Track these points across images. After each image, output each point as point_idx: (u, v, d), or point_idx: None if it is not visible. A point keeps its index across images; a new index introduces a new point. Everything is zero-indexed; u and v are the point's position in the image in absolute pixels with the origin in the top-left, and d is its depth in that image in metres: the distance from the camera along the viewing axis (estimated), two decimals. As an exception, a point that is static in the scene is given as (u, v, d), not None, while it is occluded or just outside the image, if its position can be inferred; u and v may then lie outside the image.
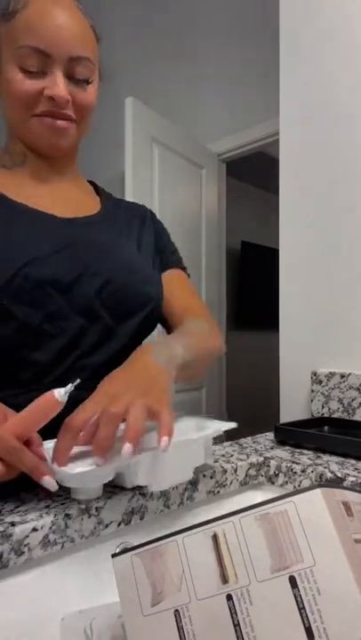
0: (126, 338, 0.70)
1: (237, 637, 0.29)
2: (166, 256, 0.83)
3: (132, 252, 0.75)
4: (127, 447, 0.45)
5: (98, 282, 0.66)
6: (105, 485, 0.54)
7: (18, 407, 0.49)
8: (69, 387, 0.45)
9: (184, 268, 0.86)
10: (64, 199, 0.72)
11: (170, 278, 0.80)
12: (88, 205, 0.76)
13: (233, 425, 0.59)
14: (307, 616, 0.27)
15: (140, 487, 0.54)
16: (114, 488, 0.54)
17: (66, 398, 0.45)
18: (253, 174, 3.74)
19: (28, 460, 0.45)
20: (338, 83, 1.05)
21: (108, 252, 0.70)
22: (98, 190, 0.82)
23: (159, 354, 0.57)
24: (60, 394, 0.45)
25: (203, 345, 0.69)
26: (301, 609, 0.28)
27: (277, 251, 1.17)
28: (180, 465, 0.55)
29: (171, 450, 0.48)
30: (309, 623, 0.27)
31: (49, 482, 0.45)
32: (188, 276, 0.86)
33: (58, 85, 0.63)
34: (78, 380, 0.46)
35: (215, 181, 2.66)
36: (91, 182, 0.83)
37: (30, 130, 0.67)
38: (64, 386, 0.46)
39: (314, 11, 1.10)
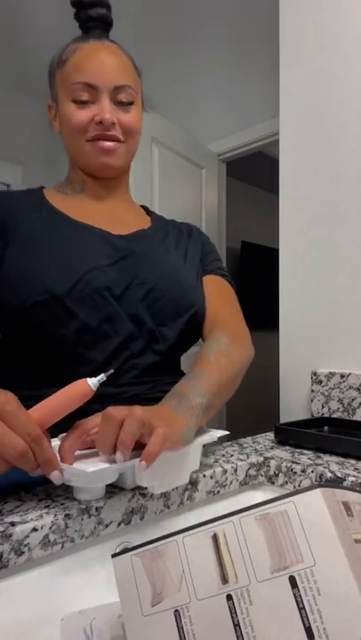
0: (171, 341, 0.76)
1: (237, 637, 0.29)
2: (207, 263, 0.89)
3: (178, 263, 0.82)
4: (118, 455, 0.46)
5: (143, 290, 0.74)
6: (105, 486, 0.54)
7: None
8: (102, 376, 0.47)
9: (225, 275, 0.89)
10: (118, 218, 0.82)
11: (207, 284, 0.85)
12: (139, 223, 0.85)
13: (226, 432, 0.62)
14: (307, 616, 0.27)
15: (140, 487, 0.54)
16: (114, 488, 0.54)
17: (97, 386, 0.47)
18: (253, 174, 3.74)
19: (46, 451, 0.45)
20: (338, 83, 1.05)
21: (155, 264, 0.78)
22: (148, 212, 0.92)
23: (177, 407, 0.58)
24: (93, 382, 0.46)
25: (220, 375, 0.70)
26: (301, 609, 0.28)
27: (277, 251, 1.17)
28: (179, 469, 0.55)
29: (171, 455, 0.50)
30: (309, 623, 0.27)
31: (57, 476, 0.46)
32: (230, 283, 0.90)
33: (104, 110, 0.74)
34: (112, 371, 0.48)
35: (215, 181, 2.66)
36: (142, 206, 0.93)
37: (85, 154, 0.77)
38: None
39: (314, 11, 1.10)
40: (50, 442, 0.47)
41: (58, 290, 0.68)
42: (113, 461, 0.47)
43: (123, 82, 0.76)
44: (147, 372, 0.74)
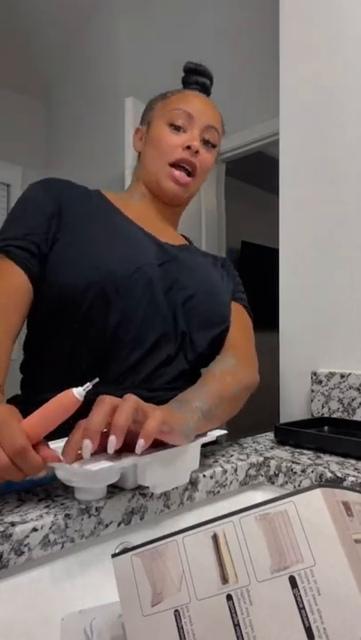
0: (201, 349, 0.79)
1: (237, 637, 0.29)
2: (235, 291, 0.93)
3: (215, 278, 0.88)
4: (111, 439, 0.45)
5: (183, 295, 0.79)
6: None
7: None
8: (87, 385, 0.46)
9: (246, 307, 0.93)
10: (164, 232, 0.87)
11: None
12: (180, 241, 0.92)
13: (224, 432, 0.63)
14: (307, 616, 0.27)
15: (140, 487, 0.54)
16: (114, 488, 0.54)
17: (83, 395, 0.46)
18: (253, 174, 3.73)
19: (30, 461, 0.44)
20: (338, 82, 1.05)
21: (196, 273, 0.84)
22: (188, 241, 0.99)
23: (178, 408, 0.58)
24: (79, 392, 0.46)
25: (223, 389, 0.70)
26: (301, 609, 0.28)
27: (277, 251, 1.17)
28: (179, 469, 0.55)
29: (172, 453, 0.50)
30: (309, 623, 0.27)
31: (43, 473, 0.46)
32: (251, 316, 0.93)
33: (194, 137, 0.83)
34: (97, 379, 0.47)
35: (215, 181, 2.66)
36: (183, 236, 0.99)
37: (161, 175, 0.84)
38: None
39: (314, 11, 1.10)
40: (47, 446, 0.47)
41: (116, 272, 0.71)
42: (104, 450, 0.46)
43: (213, 123, 0.86)
44: (177, 379, 0.77)
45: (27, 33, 2.78)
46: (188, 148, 0.82)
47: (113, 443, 0.45)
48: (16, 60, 2.93)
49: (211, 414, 0.63)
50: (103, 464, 0.46)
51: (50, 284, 0.71)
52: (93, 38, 2.92)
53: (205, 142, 0.85)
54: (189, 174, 0.84)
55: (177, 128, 0.83)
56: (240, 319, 0.89)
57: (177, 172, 0.82)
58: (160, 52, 2.65)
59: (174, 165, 0.83)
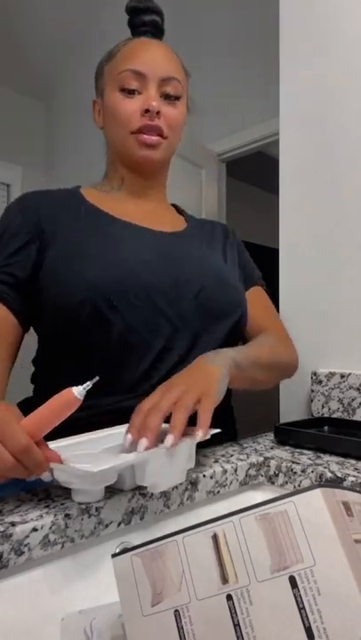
0: (216, 343, 0.74)
1: (237, 637, 0.29)
2: (248, 272, 0.90)
3: (219, 263, 0.82)
4: (169, 438, 0.50)
5: (193, 288, 0.73)
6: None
7: (125, 413, 0.55)
8: (88, 384, 0.47)
9: (263, 285, 0.91)
10: (156, 217, 0.82)
11: (251, 297, 0.86)
12: (175, 223, 0.85)
13: (217, 430, 0.61)
14: (307, 616, 0.27)
15: (140, 487, 0.54)
16: (114, 488, 0.54)
17: (84, 395, 0.46)
18: (253, 174, 3.74)
19: (34, 459, 0.45)
20: (338, 83, 1.05)
21: (199, 262, 0.78)
22: (179, 211, 0.93)
23: (213, 358, 0.63)
24: (79, 391, 0.46)
25: (261, 352, 0.73)
26: (301, 609, 0.28)
27: (277, 251, 1.17)
28: (177, 467, 0.55)
29: (171, 452, 0.51)
30: (309, 623, 0.27)
31: (46, 476, 0.47)
32: (266, 290, 0.92)
33: (151, 97, 0.74)
34: (97, 378, 0.47)
35: (215, 181, 2.66)
36: (173, 205, 0.94)
37: (127, 146, 0.77)
38: None
39: (314, 11, 1.10)
40: (47, 447, 0.48)
41: (103, 285, 0.67)
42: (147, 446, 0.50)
43: (170, 74, 0.77)
44: None
45: (27, 33, 2.78)
46: (147, 111, 0.74)
47: (170, 441, 0.50)
48: (16, 60, 2.93)
49: (244, 365, 0.66)
50: (104, 465, 0.46)
51: (46, 300, 0.71)
52: (94, 38, 2.92)
53: (167, 96, 0.77)
54: (159, 135, 0.77)
55: (130, 92, 0.75)
56: (265, 305, 0.88)
57: (144, 136, 0.76)
58: (160, 52, 2.65)
59: (139, 132, 0.76)
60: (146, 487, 0.53)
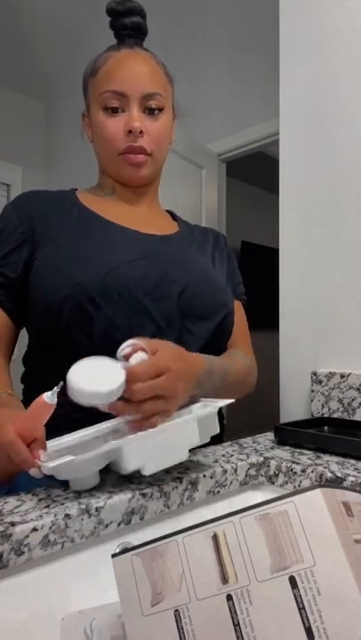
0: (203, 341, 0.75)
1: (237, 637, 0.29)
2: (233, 285, 0.90)
3: (206, 266, 0.84)
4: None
5: (177, 288, 0.74)
6: (104, 485, 0.54)
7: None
8: (55, 389, 0.50)
9: (244, 301, 0.93)
10: (147, 221, 0.83)
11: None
12: (166, 227, 0.86)
13: (230, 401, 0.62)
14: (307, 616, 0.27)
15: (138, 481, 0.54)
16: (114, 488, 0.54)
17: (55, 399, 0.51)
18: (253, 174, 3.74)
19: (19, 455, 0.50)
20: (338, 82, 1.05)
21: (185, 264, 0.79)
22: (175, 217, 0.94)
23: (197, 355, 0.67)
24: (49, 396, 0.50)
25: (233, 365, 0.76)
26: (301, 609, 0.28)
27: (277, 251, 1.17)
28: (173, 446, 0.55)
29: (161, 431, 0.54)
30: (309, 623, 0.27)
31: (35, 472, 0.51)
32: (245, 305, 0.94)
33: (133, 119, 0.75)
34: (62, 383, 0.51)
35: (215, 181, 2.65)
36: (168, 211, 0.95)
37: (114, 165, 0.80)
38: None
39: (314, 10, 1.10)
40: (42, 447, 0.52)
41: (86, 283, 0.68)
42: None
43: (151, 90, 0.77)
44: None
45: (27, 33, 2.78)
46: (131, 132, 0.75)
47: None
48: (16, 60, 2.93)
49: (217, 369, 0.70)
50: (61, 460, 0.49)
51: (34, 300, 0.73)
52: (94, 38, 2.92)
53: (150, 110, 0.78)
54: (143, 154, 0.78)
55: (114, 110, 0.76)
56: (240, 321, 0.89)
57: (130, 156, 0.77)
58: (160, 53, 2.65)
59: (125, 152, 0.77)
60: (147, 477, 0.55)
